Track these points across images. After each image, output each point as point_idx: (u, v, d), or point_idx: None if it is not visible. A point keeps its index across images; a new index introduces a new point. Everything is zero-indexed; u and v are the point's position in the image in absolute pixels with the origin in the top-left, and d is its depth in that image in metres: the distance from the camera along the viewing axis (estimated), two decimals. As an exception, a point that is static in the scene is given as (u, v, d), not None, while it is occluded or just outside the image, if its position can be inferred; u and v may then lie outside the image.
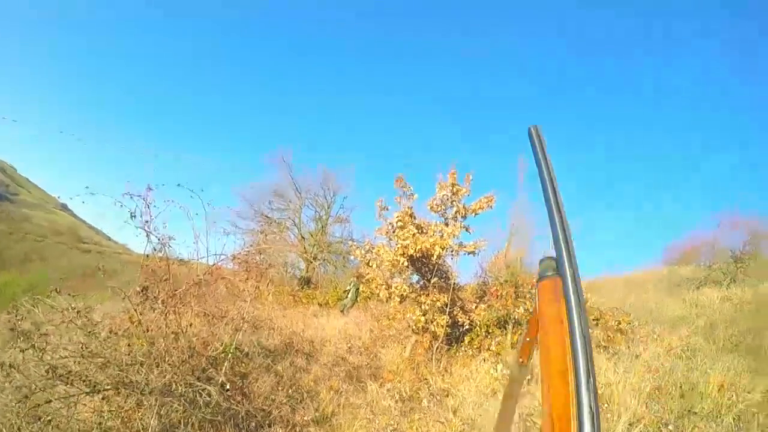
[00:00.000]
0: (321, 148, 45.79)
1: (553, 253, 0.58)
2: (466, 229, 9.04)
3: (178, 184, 4.95)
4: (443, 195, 8.95)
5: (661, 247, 33.84)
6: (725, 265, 13.94)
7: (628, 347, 7.87)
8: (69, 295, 4.20)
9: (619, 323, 8.58)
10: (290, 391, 5.51)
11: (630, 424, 4.72)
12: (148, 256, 4.61)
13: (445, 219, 9.09)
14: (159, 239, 4.61)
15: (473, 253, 9.12)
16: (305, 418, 5.31)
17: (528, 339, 0.68)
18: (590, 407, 0.49)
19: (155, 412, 4.03)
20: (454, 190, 8.88)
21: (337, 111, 49.76)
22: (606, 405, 5.30)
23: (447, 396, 6.64)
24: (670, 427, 4.75)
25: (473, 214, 9.08)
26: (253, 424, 4.86)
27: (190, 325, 4.77)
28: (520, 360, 0.71)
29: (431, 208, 9.09)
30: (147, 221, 4.52)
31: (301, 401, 5.56)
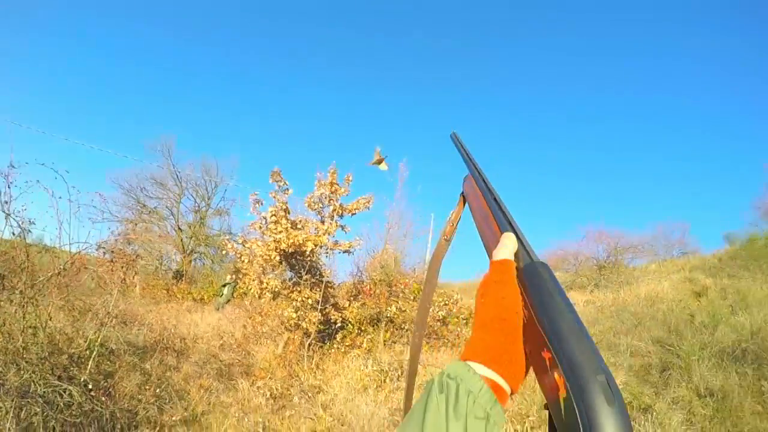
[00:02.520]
0: (206, 137, 43.94)
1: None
2: (342, 228, 9.53)
3: (42, 164, 4.75)
4: (321, 193, 9.33)
5: None
6: (590, 272, 16.06)
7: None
8: None
9: (492, 321, 9.64)
10: (158, 390, 5.53)
11: None
12: (6, 241, 4.42)
13: (322, 217, 9.51)
14: (19, 223, 4.43)
15: (348, 251, 9.70)
16: (174, 419, 5.39)
17: (452, 224, 0.97)
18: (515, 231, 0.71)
19: (13, 415, 3.91)
20: (333, 189, 9.31)
21: (225, 101, 47.71)
22: None
23: (318, 392, 7.03)
24: (532, 419, 5.44)
25: (350, 214, 9.60)
26: (118, 426, 4.83)
27: (50, 318, 4.63)
28: (445, 238, 0.98)
29: (309, 205, 9.44)
30: (6, 202, 4.33)
31: (169, 401, 5.64)
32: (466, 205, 0.91)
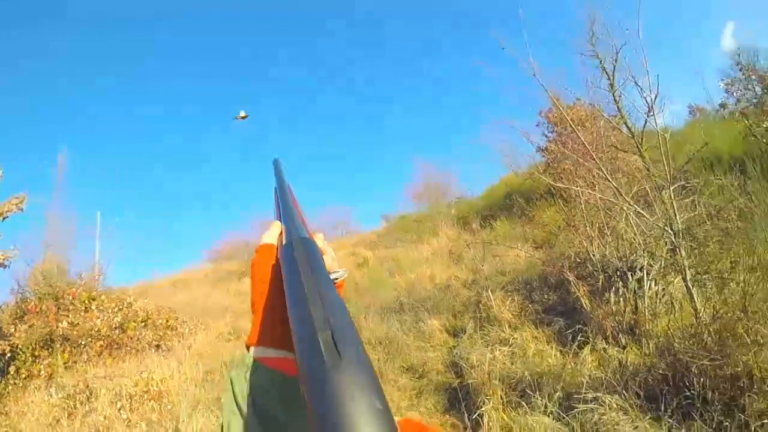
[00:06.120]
0: None
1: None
2: (-8, 237, 8.82)
3: None
4: (-35, 195, 8.46)
5: (203, 247, 39.26)
6: None
7: (179, 341, 10.19)
8: None
9: (168, 320, 10.74)
10: None
11: (192, 408, 5.94)
12: None
13: (-33, 224, 8.70)
14: None
15: (3, 265, 9.13)
16: None
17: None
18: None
19: None
20: (-21, 189, 8.52)
21: None
22: (166, 398, 6.67)
23: (8, 440, 7.02)
24: (222, 400, 6.62)
25: (1, 218, 9.06)
26: None
27: None
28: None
29: (-51, 209, 8.53)
30: None
31: None
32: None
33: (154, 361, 8.49)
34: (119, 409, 6.65)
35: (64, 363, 9.40)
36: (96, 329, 10.03)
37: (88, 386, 7.85)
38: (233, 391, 0.64)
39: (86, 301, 10.75)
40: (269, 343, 0.66)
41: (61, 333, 9.74)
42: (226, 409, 0.64)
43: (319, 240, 0.77)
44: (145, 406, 6.62)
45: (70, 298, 10.62)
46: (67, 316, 10.09)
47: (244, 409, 0.62)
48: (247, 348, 0.68)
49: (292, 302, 0.54)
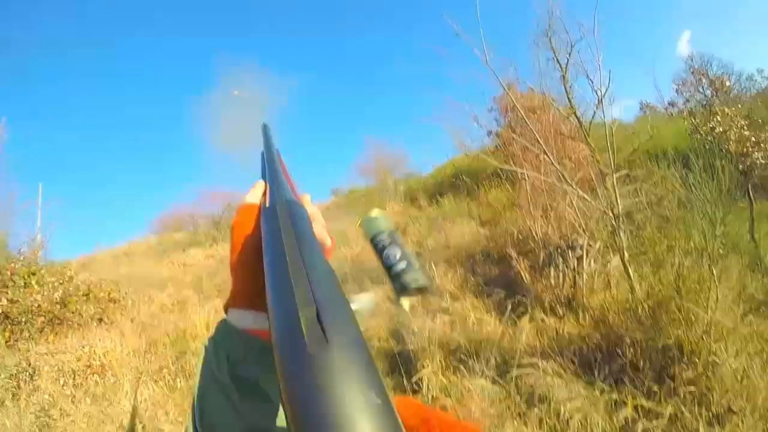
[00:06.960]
0: None
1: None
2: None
3: None
4: None
5: (148, 219, 38.48)
6: (207, 229, 18.30)
7: (122, 314, 10.11)
8: None
9: (110, 294, 10.50)
10: None
11: (136, 380, 6.08)
12: None
13: None
14: None
15: None
16: None
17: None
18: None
19: None
20: None
21: None
22: (109, 371, 6.72)
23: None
24: (165, 371, 6.34)
25: None
26: None
27: None
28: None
29: None
30: None
31: None
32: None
33: (96, 335, 8.40)
34: (62, 386, 6.53)
35: (6, 342, 9.09)
36: (36, 305, 9.76)
37: (30, 364, 7.62)
38: (207, 360, 0.59)
39: (26, 277, 10.44)
40: (247, 305, 0.62)
41: (0, 311, 9.45)
42: (199, 378, 0.59)
43: (308, 203, 0.72)
44: (89, 380, 6.50)
45: (9, 274, 10.31)
46: (6, 293, 9.80)
47: (220, 377, 0.57)
48: (225, 311, 0.65)
49: (271, 272, 0.49)
